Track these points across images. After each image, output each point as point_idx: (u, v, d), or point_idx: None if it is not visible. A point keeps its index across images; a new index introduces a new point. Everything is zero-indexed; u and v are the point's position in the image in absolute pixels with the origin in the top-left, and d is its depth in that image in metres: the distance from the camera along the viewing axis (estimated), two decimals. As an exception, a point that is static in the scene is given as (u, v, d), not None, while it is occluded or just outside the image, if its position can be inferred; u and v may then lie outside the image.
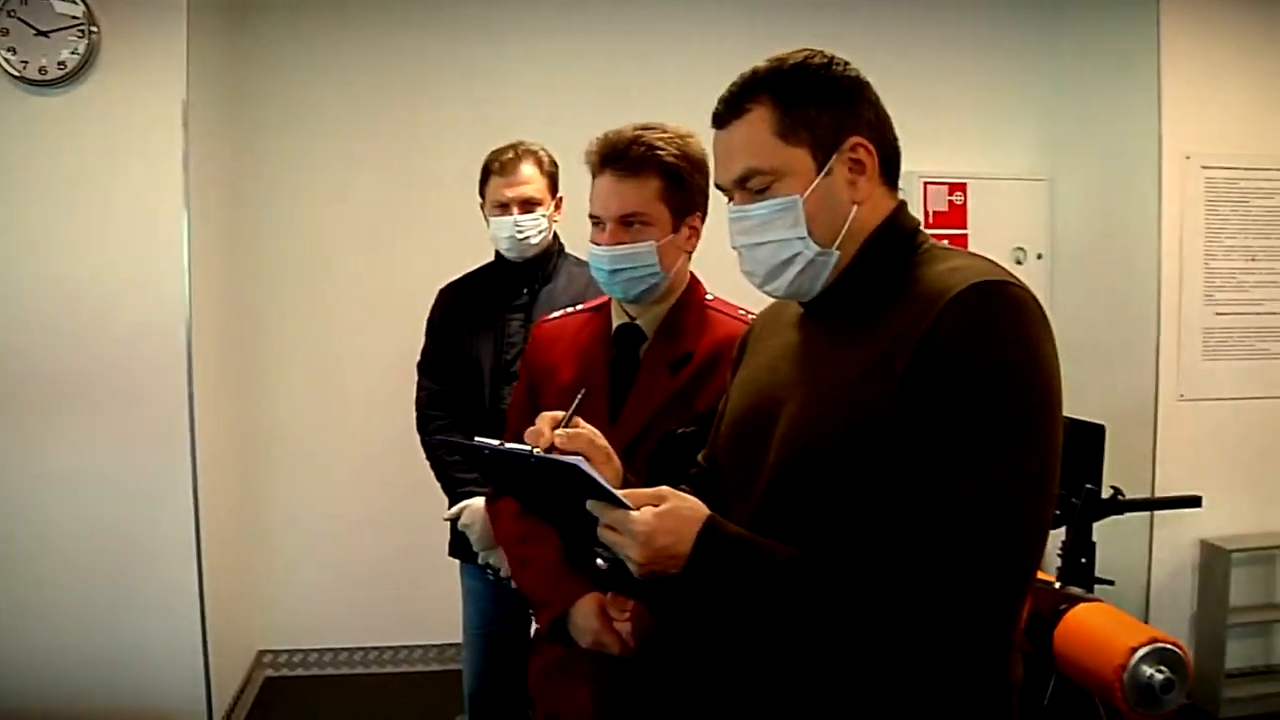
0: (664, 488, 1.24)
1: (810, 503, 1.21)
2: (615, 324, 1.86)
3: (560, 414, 1.38)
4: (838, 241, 1.25)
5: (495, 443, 1.30)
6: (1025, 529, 1.10)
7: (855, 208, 1.25)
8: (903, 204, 1.30)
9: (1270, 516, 3.87)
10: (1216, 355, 3.86)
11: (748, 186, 1.27)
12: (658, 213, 1.75)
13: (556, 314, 2.02)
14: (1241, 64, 3.82)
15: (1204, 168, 3.80)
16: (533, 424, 1.84)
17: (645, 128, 1.75)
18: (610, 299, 1.88)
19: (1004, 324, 1.11)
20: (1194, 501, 3.02)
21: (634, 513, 1.18)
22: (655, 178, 1.73)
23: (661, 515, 1.18)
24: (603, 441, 1.37)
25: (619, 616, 1.70)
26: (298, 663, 4.15)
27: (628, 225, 1.74)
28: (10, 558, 3.20)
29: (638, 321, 1.83)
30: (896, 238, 1.27)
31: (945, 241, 1.35)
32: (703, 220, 1.83)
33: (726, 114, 1.28)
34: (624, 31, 4.20)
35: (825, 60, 1.26)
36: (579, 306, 2.00)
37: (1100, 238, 4.17)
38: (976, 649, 1.09)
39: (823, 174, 1.24)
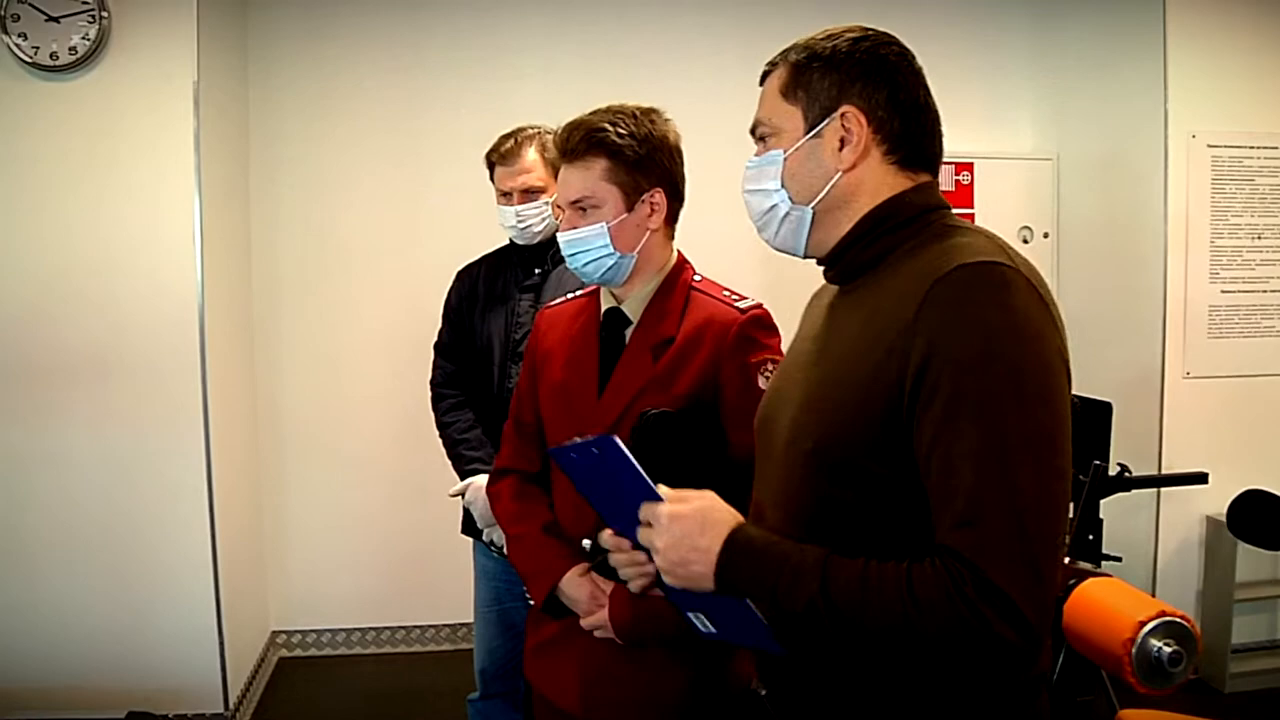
0: (708, 491, 1.26)
1: (816, 487, 1.22)
2: (604, 308, 1.86)
3: None
4: (814, 202, 1.28)
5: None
6: (1037, 508, 1.06)
7: (839, 174, 1.27)
8: (921, 185, 1.29)
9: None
10: (1222, 333, 3.87)
11: (755, 136, 1.35)
12: (604, 193, 1.75)
13: (558, 300, 2.02)
14: (1247, 42, 3.82)
15: (1210, 146, 3.80)
16: (534, 405, 1.91)
17: (598, 111, 1.77)
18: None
19: (987, 304, 1.10)
20: (1200, 478, 3.04)
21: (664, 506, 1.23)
22: (600, 158, 1.74)
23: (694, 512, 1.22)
24: None
25: (599, 596, 1.73)
26: (311, 643, 4.19)
27: (580, 209, 1.77)
28: (26, 538, 3.24)
29: (622, 305, 1.83)
30: (894, 216, 1.26)
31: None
32: (670, 196, 1.80)
33: (764, 74, 1.36)
34: (634, 5, 4.20)
35: (858, 34, 1.29)
36: (578, 292, 1.99)
37: (1106, 216, 4.17)
38: (1009, 645, 1.05)
39: (809, 135, 1.27)
